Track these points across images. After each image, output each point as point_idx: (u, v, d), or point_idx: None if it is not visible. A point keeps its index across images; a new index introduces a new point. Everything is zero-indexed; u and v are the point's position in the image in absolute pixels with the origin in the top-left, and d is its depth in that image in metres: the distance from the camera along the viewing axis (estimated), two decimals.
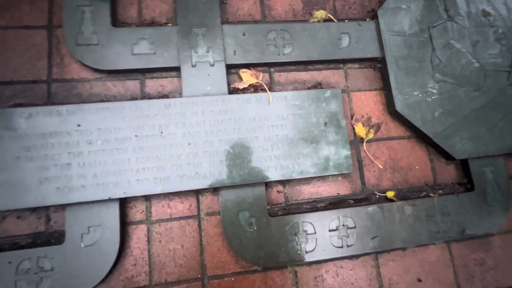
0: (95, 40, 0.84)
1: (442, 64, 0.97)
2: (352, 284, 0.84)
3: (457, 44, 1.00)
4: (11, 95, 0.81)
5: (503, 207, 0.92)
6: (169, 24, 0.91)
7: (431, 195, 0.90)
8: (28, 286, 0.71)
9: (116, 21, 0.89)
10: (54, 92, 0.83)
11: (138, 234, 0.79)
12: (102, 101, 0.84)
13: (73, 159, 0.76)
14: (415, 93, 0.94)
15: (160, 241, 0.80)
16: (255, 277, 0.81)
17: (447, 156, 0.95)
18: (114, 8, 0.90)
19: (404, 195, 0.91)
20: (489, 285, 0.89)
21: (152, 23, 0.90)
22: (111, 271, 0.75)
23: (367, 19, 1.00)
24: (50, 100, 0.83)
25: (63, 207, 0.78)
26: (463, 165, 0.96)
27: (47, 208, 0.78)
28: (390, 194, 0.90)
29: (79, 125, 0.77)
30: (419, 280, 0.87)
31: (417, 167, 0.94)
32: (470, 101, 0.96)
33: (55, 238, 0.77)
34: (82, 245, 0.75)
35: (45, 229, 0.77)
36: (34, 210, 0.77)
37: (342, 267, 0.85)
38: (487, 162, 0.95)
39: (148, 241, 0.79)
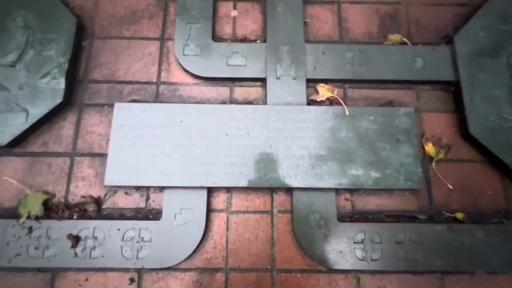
0: (198, 51, 1.00)
1: None
2: None
3: None
4: (129, 92, 0.99)
5: None
6: (258, 41, 1.04)
7: (504, 222, 0.89)
8: (131, 251, 0.84)
9: (215, 36, 1.05)
10: (161, 92, 1.00)
11: (219, 221, 0.90)
12: (198, 102, 0.99)
13: (175, 149, 0.90)
14: (490, 118, 0.95)
15: (237, 230, 0.89)
16: (319, 276, 0.86)
17: None
18: (214, 26, 1.06)
19: (474, 218, 0.91)
20: None
21: (244, 40, 1.04)
22: (195, 250, 0.86)
23: (442, 44, 1.04)
24: (157, 98, 0.99)
25: (160, 189, 0.91)
26: None
27: (148, 188, 0.92)
28: (459, 215, 0.90)
29: (181, 121, 0.92)
30: None
31: (489, 193, 0.94)
32: None
33: (153, 214, 0.90)
34: (175, 224, 0.87)
35: (145, 206, 0.91)
36: (138, 188, 0.92)
37: (406, 281, 0.86)
38: None
39: (227, 228, 0.89)
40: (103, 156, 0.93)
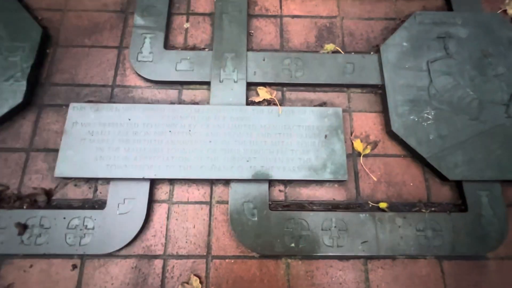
0: (151, 58, 1.11)
1: (439, 94, 1.08)
2: (341, 284, 0.91)
3: (455, 77, 1.11)
4: (87, 94, 1.09)
5: (498, 232, 0.95)
6: (206, 49, 1.16)
7: (423, 211, 0.97)
8: (74, 239, 0.90)
9: (167, 45, 1.16)
10: (115, 94, 1.10)
11: (160, 211, 0.97)
12: (148, 103, 1.08)
13: (122, 144, 0.98)
14: (411, 117, 1.05)
15: (177, 219, 0.96)
16: (252, 262, 0.92)
17: (441, 177, 1.02)
18: (167, 35, 1.18)
19: (396, 208, 0.99)
20: None
21: (194, 48, 1.16)
22: (135, 238, 0.92)
23: (371, 53, 1.17)
24: (112, 100, 1.09)
25: (108, 181, 0.99)
26: (458, 187, 1.02)
27: (96, 180, 0.99)
28: (382, 205, 0.98)
29: (129, 119, 1.01)
30: None
31: (411, 184, 1.02)
32: (466, 128, 1.04)
33: (98, 204, 0.97)
34: (118, 213, 0.94)
35: (92, 197, 0.98)
36: (87, 181, 0.99)
37: (331, 266, 0.93)
38: (483, 186, 1.00)
39: (167, 218, 0.96)
40: (57, 151, 1.01)
